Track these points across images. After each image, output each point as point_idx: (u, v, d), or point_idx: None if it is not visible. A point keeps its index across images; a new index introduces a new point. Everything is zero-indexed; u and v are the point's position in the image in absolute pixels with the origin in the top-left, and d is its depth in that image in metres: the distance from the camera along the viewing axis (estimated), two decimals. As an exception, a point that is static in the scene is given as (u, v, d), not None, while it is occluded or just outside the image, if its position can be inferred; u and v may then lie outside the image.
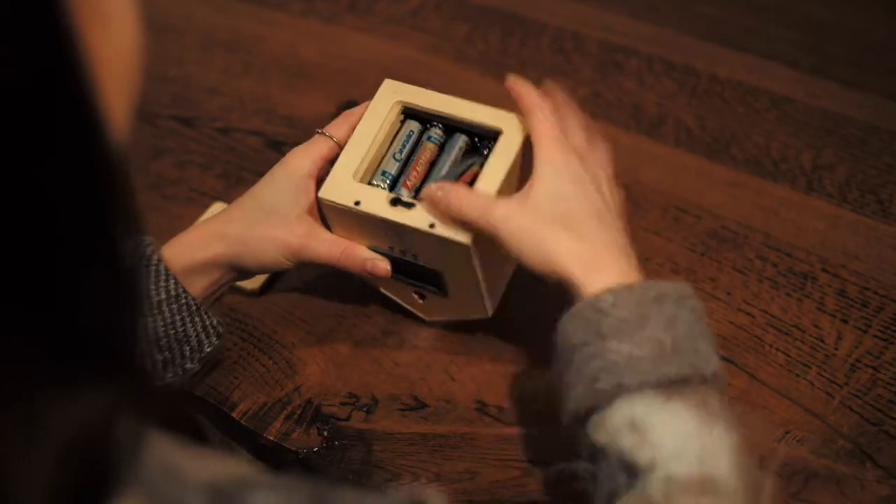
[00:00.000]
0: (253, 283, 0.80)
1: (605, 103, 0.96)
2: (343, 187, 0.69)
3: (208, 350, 0.70)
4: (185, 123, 0.97)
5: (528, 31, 1.04)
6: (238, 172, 0.91)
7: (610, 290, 0.57)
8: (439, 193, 0.65)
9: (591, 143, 0.66)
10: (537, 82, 0.98)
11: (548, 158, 0.63)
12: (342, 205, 0.68)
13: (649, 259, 0.81)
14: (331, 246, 0.70)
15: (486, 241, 0.65)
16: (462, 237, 0.65)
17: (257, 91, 1.00)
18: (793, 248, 0.82)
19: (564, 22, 1.05)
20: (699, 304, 0.58)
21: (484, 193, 0.65)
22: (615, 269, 0.59)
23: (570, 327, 0.58)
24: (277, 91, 1.00)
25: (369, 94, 0.98)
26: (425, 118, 0.72)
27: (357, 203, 0.68)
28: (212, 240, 0.70)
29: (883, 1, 1.06)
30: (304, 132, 0.95)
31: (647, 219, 0.85)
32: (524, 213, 0.61)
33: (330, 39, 1.06)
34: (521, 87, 0.67)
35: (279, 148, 0.93)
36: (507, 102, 0.68)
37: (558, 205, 0.61)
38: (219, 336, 0.71)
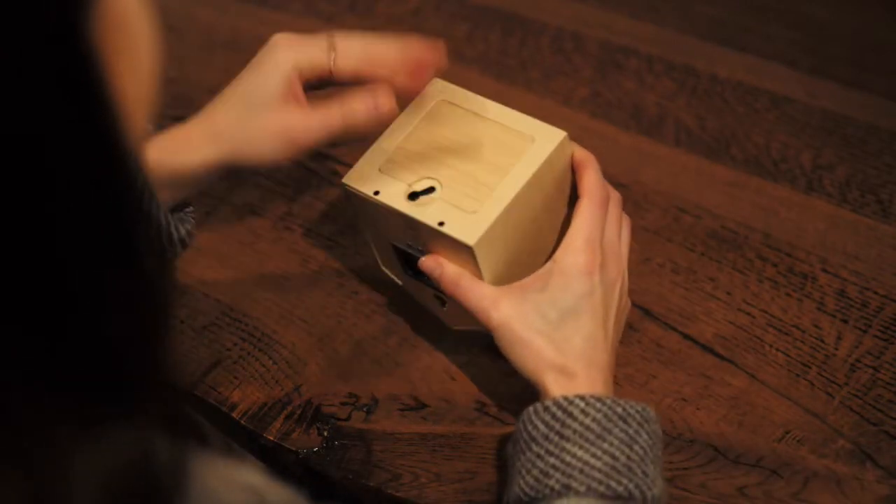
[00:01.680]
0: None
1: (605, 103, 0.96)
2: (367, 176, 0.69)
3: (169, 258, 0.67)
4: (185, 123, 0.97)
5: (528, 31, 1.04)
6: (238, 172, 0.91)
7: (582, 397, 0.60)
8: (439, 272, 0.67)
9: (621, 227, 0.69)
10: (537, 82, 0.98)
11: (570, 263, 0.64)
12: (362, 192, 0.69)
13: (649, 259, 0.82)
14: (327, 116, 0.66)
15: (502, 243, 0.66)
16: (468, 238, 0.65)
17: (257, 91, 1.00)
18: (793, 248, 0.82)
19: (564, 22, 1.05)
20: (658, 429, 0.62)
21: (487, 291, 0.65)
22: (588, 387, 0.62)
23: (536, 419, 0.60)
24: (277, 91, 1.00)
25: (369, 94, 0.98)
26: None
27: (376, 192, 0.68)
28: (201, 141, 0.66)
29: (883, 1, 1.06)
30: (304, 132, 0.95)
31: (647, 219, 0.85)
32: (519, 320, 0.63)
33: (330, 39, 1.06)
34: (589, 166, 0.68)
35: (279, 148, 0.93)
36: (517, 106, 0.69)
37: (557, 317, 0.63)
38: (185, 246, 0.68)
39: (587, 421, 0.59)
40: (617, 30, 1.04)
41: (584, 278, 0.64)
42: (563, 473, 0.58)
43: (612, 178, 0.88)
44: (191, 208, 0.71)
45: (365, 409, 0.73)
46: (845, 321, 0.76)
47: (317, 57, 0.67)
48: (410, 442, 0.71)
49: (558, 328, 0.63)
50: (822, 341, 0.75)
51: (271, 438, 0.71)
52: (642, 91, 0.97)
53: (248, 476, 0.38)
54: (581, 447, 0.58)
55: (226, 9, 1.10)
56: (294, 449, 0.71)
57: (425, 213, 0.67)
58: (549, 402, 0.60)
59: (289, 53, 0.67)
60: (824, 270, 0.80)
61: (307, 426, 0.72)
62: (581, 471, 0.58)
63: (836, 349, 0.75)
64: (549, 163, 0.68)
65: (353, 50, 0.67)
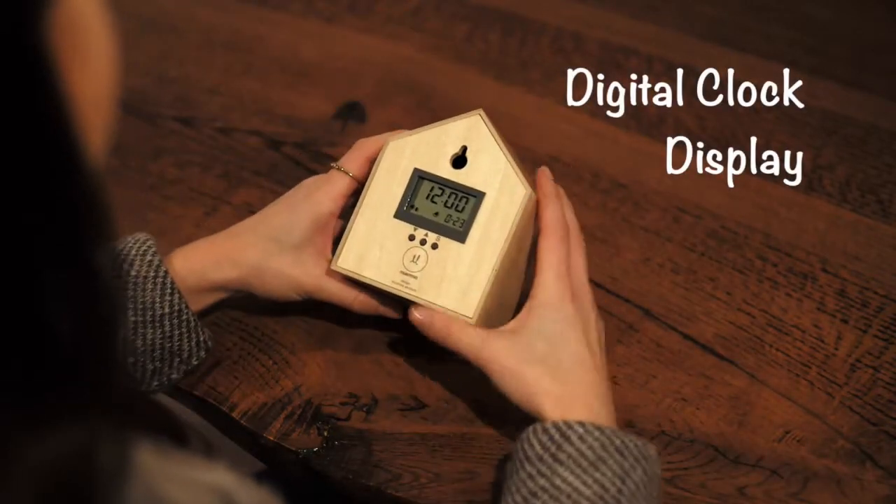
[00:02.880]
0: None
1: (605, 103, 0.96)
2: (359, 257, 0.70)
3: (195, 363, 0.72)
4: (185, 123, 0.97)
5: (528, 31, 1.04)
6: (238, 172, 0.91)
7: (582, 424, 0.60)
8: (428, 321, 0.68)
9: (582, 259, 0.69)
10: (537, 82, 0.98)
11: (546, 296, 0.66)
12: (359, 276, 0.70)
13: (649, 259, 0.82)
14: (345, 289, 0.72)
15: (492, 299, 0.68)
16: (467, 311, 0.68)
17: (257, 91, 1.00)
18: (793, 248, 0.82)
19: (564, 22, 1.05)
20: (655, 469, 0.61)
21: (475, 333, 0.66)
22: (587, 411, 0.62)
23: (534, 438, 0.60)
24: (277, 91, 1.00)
25: (369, 94, 0.98)
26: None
27: (371, 275, 0.70)
28: (225, 263, 0.71)
29: (883, 1, 1.06)
30: (304, 132, 0.96)
31: (646, 219, 0.85)
32: (511, 353, 0.64)
33: (330, 39, 1.06)
34: (549, 200, 0.69)
35: (279, 148, 0.93)
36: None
37: (545, 346, 0.64)
38: (207, 350, 0.73)
39: (583, 447, 0.59)
40: (617, 30, 1.04)
41: (561, 306, 0.65)
42: (551, 496, 0.57)
43: (612, 178, 0.89)
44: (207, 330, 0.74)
45: (365, 409, 0.73)
46: (845, 321, 0.76)
47: (342, 186, 0.73)
48: (410, 442, 0.71)
49: (549, 356, 0.64)
50: (822, 341, 0.75)
51: (271, 438, 0.71)
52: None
53: (216, 477, 0.38)
54: (573, 472, 0.58)
55: (226, 9, 1.10)
56: (294, 449, 0.71)
57: (419, 289, 0.69)
58: (548, 424, 0.60)
59: (321, 197, 0.72)
60: (824, 270, 0.80)
61: (307, 426, 0.72)
62: (569, 496, 0.57)
63: (836, 349, 0.75)
64: (519, 221, 0.69)
65: (356, 159, 0.74)
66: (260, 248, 0.71)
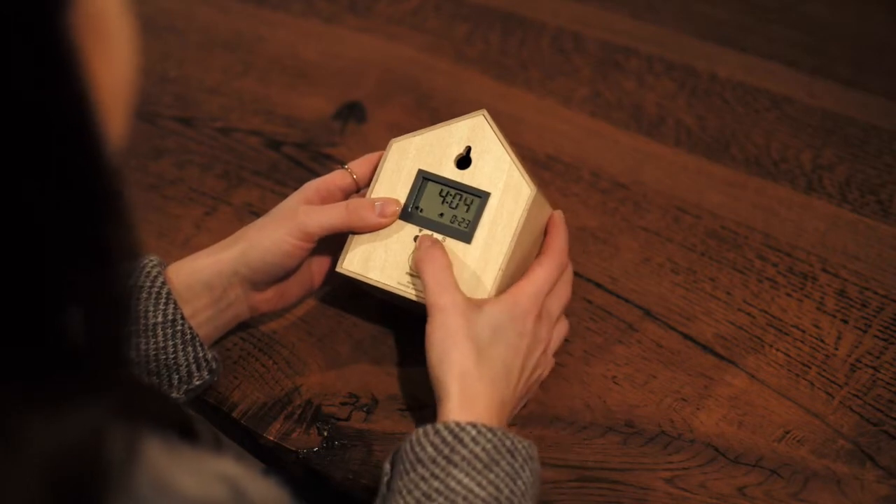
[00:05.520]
0: None
1: (605, 103, 0.96)
2: (364, 259, 0.71)
3: (197, 383, 0.70)
4: (185, 123, 0.97)
5: (528, 31, 1.04)
6: (238, 172, 0.91)
7: (474, 425, 0.60)
8: (429, 242, 0.68)
9: (560, 316, 0.71)
10: (537, 82, 0.99)
11: (516, 300, 0.66)
12: (365, 277, 0.70)
13: (649, 259, 0.82)
14: (334, 207, 0.71)
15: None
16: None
17: (257, 91, 1.00)
18: (793, 248, 0.82)
19: (564, 22, 1.05)
20: (538, 468, 0.62)
21: (452, 280, 0.66)
22: (485, 415, 0.62)
23: (424, 441, 0.60)
24: (277, 91, 1.00)
25: (369, 94, 0.98)
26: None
27: (377, 277, 0.70)
28: (217, 248, 0.71)
29: (884, 1, 1.06)
30: (304, 132, 0.96)
31: (647, 219, 0.85)
32: (461, 317, 0.64)
33: (330, 39, 1.06)
34: (559, 231, 0.71)
35: (279, 148, 0.94)
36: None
37: (489, 336, 0.64)
38: (210, 371, 0.70)
39: (476, 449, 0.59)
40: (617, 30, 1.04)
41: (522, 318, 0.66)
42: (447, 499, 0.58)
43: (612, 178, 0.89)
44: (215, 352, 0.73)
45: (365, 409, 0.73)
46: (845, 321, 0.76)
47: (337, 177, 0.73)
48: (410, 442, 0.71)
49: (487, 346, 0.64)
50: (822, 341, 0.75)
51: (271, 438, 0.71)
52: (642, 91, 0.97)
53: (225, 467, 0.38)
54: (468, 475, 0.58)
55: (226, 9, 1.10)
56: (294, 449, 0.71)
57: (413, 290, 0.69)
58: (440, 426, 0.60)
59: (312, 182, 0.73)
60: (824, 270, 0.80)
61: (307, 426, 0.72)
62: (465, 498, 0.58)
63: (836, 349, 0.75)
64: (525, 220, 0.69)
65: (364, 164, 0.74)
66: (256, 224, 0.72)
